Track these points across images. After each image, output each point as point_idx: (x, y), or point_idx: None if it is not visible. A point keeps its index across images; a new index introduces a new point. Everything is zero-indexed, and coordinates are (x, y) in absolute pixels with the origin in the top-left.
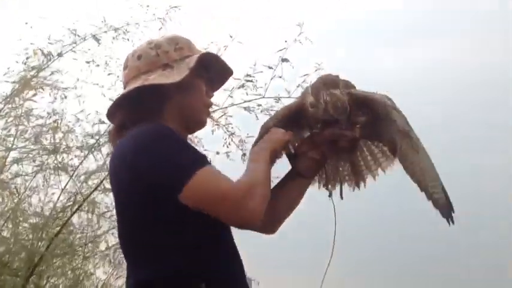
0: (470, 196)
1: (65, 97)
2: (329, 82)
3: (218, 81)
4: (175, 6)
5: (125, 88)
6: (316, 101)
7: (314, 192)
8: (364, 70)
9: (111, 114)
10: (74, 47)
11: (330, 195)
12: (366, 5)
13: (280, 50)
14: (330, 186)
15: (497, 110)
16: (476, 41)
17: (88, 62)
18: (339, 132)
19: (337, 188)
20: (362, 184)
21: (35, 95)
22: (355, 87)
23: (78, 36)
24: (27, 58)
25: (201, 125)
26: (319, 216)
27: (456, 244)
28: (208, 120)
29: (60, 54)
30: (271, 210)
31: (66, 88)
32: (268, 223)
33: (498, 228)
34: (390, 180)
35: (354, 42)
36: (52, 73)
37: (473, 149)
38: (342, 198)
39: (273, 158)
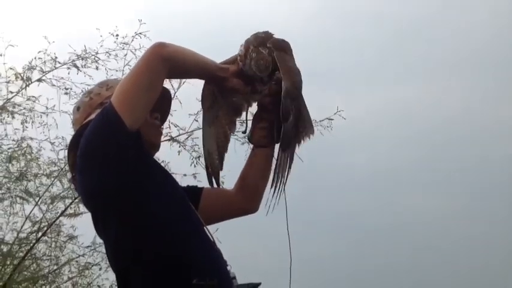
0: None
1: (32, 124)
2: (260, 40)
3: (163, 102)
4: (141, 33)
5: None
6: (245, 56)
7: None
8: None
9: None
10: (44, 75)
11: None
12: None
13: None
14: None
15: None
16: None
17: (66, 89)
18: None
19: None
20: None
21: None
22: (286, 48)
23: (58, 62)
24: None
25: (154, 147)
26: None
27: None
28: (174, 143)
29: (40, 80)
30: (245, 182)
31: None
32: (247, 198)
33: None
34: None
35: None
36: (28, 98)
37: None
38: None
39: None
